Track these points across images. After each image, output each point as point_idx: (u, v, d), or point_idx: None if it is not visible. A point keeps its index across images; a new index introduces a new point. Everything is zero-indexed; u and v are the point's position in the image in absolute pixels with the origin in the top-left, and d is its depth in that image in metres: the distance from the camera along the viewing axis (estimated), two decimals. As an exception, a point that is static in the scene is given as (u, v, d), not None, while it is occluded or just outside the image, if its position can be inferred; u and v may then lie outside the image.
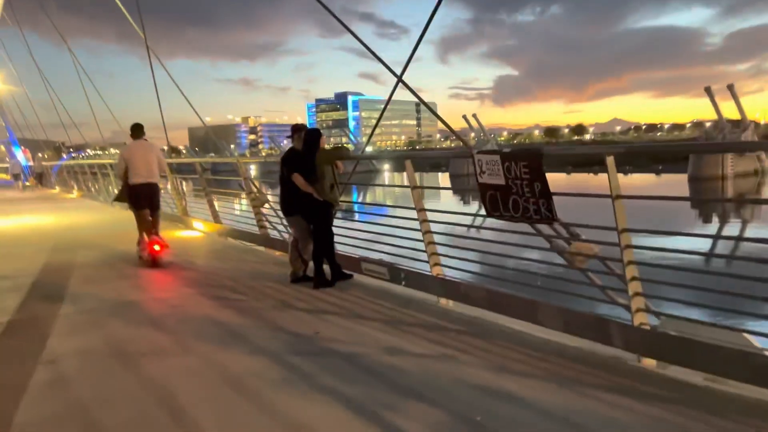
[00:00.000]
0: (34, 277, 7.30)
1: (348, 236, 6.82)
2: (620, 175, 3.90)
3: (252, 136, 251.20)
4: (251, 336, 4.67)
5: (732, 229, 21.24)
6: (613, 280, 4.36)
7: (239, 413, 3.28)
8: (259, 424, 3.15)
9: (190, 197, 13.41)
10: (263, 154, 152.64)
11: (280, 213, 8.79)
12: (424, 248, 5.58)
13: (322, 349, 4.34)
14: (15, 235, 12.22)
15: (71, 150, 47.44)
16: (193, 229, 11.68)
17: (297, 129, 6.41)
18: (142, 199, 8.08)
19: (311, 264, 6.48)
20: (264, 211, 9.17)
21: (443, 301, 5.43)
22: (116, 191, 9.17)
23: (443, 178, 56.40)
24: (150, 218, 8.13)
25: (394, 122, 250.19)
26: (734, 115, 45.80)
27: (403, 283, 5.84)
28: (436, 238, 5.54)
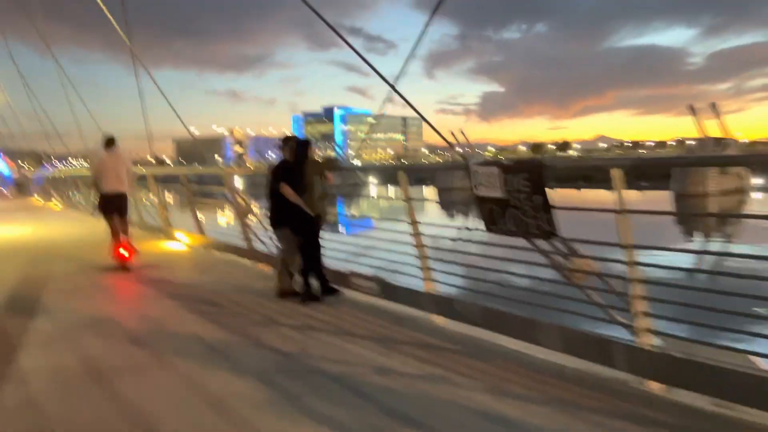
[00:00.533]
0: (9, 290, 6.98)
1: (336, 249, 6.60)
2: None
3: (238, 148, 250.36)
4: (234, 353, 4.44)
5: (728, 247, 21.25)
6: (611, 298, 4.21)
7: (220, 439, 3.05)
8: (241, 452, 2.92)
9: (176, 208, 13.12)
10: (249, 165, 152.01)
11: (267, 225, 8.60)
12: (416, 263, 5.39)
13: (309, 369, 4.11)
14: (-9, 245, 11.84)
15: (54, 160, 46.75)
16: (176, 240, 11.39)
17: (287, 140, 6.21)
18: (111, 206, 8.53)
19: (298, 278, 6.27)
20: (250, 223, 8.93)
21: (436, 318, 5.23)
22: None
23: (429, 192, 56.40)
24: (117, 224, 8.53)
25: (380, 136, 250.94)
26: (716, 133, 46.48)
27: (394, 298, 5.64)
28: (429, 252, 5.35)
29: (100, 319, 5.53)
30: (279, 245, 6.50)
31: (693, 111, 45.70)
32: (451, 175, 51.20)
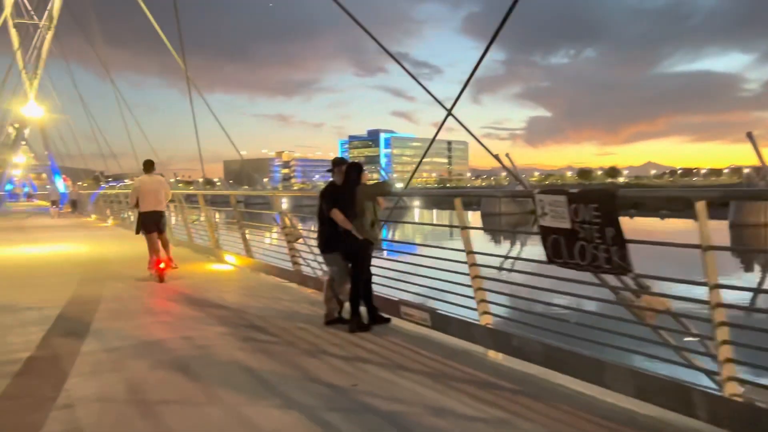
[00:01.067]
0: (60, 309, 7.04)
1: (386, 276, 6.41)
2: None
3: (285, 171, 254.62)
4: (282, 386, 4.26)
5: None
6: (689, 340, 3.88)
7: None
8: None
9: (222, 229, 13.20)
10: (295, 188, 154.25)
11: (315, 249, 8.48)
12: (471, 294, 5.14)
13: (359, 405, 3.91)
14: (45, 264, 12.12)
15: (109, 179, 48.41)
16: (224, 262, 11.41)
17: (337, 163, 6.09)
18: (150, 224, 9.38)
19: (347, 305, 6.09)
20: (297, 246, 8.84)
21: (492, 353, 4.96)
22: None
23: (473, 217, 55.80)
24: (158, 240, 9.40)
25: (425, 160, 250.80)
26: (774, 161, 44.39)
27: (446, 330, 5.40)
28: (486, 284, 5.10)
29: (149, 344, 5.47)
30: (328, 270, 6.35)
31: (751, 138, 43.95)
32: (497, 201, 50.64)
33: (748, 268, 21.93)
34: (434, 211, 64.91)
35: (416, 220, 43.84)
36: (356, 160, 6.50)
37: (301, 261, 8.69)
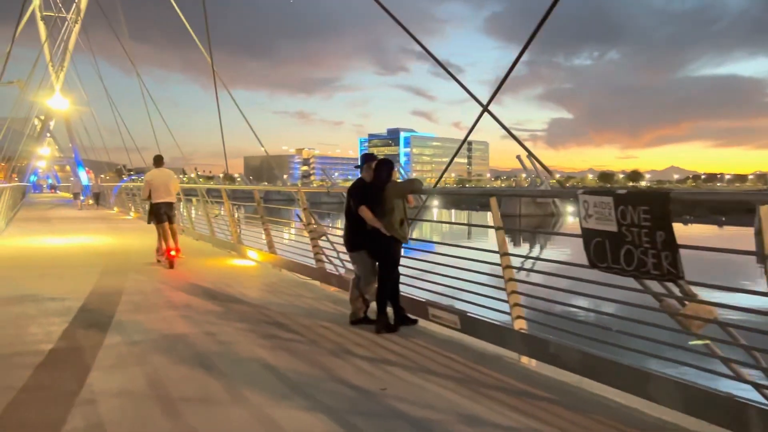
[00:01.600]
0: (82, 301, 6.99)
1: (413, 277, 6.24)
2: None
3: (304, 168, 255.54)
4: (308, 387, 4.12)
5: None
6: (738, 352, 3.67)
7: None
8: None
9: (243, 225, 13.13)
10: (314, 185, 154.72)
11: (338, 246, 8.35)
12: (503, 297, 4.96)
13: (387, 410, 3.75)
14: (68, 255, 12.15)
15: (131, 172, 48.84)
16: (246, 258, 11.33)
17: (367, 159, 5.93)
18: (162, 214, 10.15)
19: (372, 305, 5.94)
20: (321, 243, 8.71)
21: (524, 359, 4.77)
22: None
23: (491, 218, 55.14)
24: (168, 229, 10.13)
25: (444, 159, 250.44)
26: (802, 167, 43.42)
27: (476, 334, 5.22)
28: (520, 287, 4.90)
29: (172, 339, 5.37)
30: (354, 269, 6.20)
31: (781, 143, 43.11)
32: (516, 202, 50.12)
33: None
34: (452, 211, 64.63)
35: (434, 219, 43.49)
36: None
37: (324, 258, 8.56)
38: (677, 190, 3.41)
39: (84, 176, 51.93)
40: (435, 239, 26.79)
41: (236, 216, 12.78)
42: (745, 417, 3.20)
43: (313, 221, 8.78)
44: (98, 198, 37.91)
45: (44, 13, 44.72)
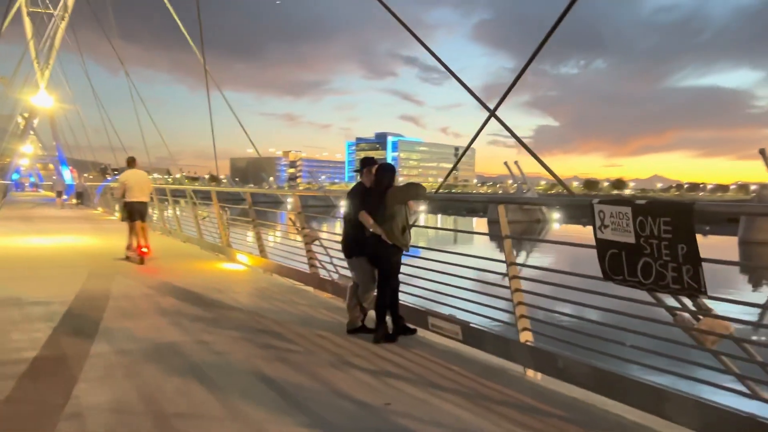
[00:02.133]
0: (68, 305, 6.73)
1: (412, 284, 6.07)
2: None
3: (291, 170, 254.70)
4: (308, 401, 3.93)
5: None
6: (754, 369, 3.55)
7: None
8: None
9: (231, 227, 12.88)
10: (301, 187, 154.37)
11: (332, 252, 8.16)
12: (508, 308, 4.81)
13: (394, 427, 3.58)
14: (52, 256, 11.83)
15: (116, 172, 48.21)
16: (236, 261, 11.09)
17: (366, 163, 5.75)
18: (135, 212, 10.71)
19: (371, 313, 5.77)
20: (314, 248, 8.51)
21: (530, 373, 4.61)
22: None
23: (478, 224, 55.22)
24: (140, 227, 10.67)
25: (431, 164, 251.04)
26: (779, 178, 43.87)
27: (479, 346, 5.07)
28: (527, 298, 4.75)
29: (163, 348, 5.14)
30: (352, 276, 6.02)
31: (764, 155, 43.48)
32: (505, 208, 50.06)
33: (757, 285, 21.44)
34: (439, 216, 64.48)
35: (420, 224, 43.35)
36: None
37: (318, 264, 8.36)
38: (701, 202, 3.27)
39: (68, 175, 51.21)
40: (421, 244, 26.69)
41: (224, 218, 12.53)
42: (769, 439, 3.07)
43: (306, 225, 8.59)
44: (81, 197, 37.39)
45: (30, 9, 44.09)
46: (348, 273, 6.94)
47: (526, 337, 4.63)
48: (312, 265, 8.34)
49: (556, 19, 4.89)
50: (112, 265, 10.40)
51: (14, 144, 53.21)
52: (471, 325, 5.21)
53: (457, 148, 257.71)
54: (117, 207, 30.96)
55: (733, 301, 3.84)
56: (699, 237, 3.22)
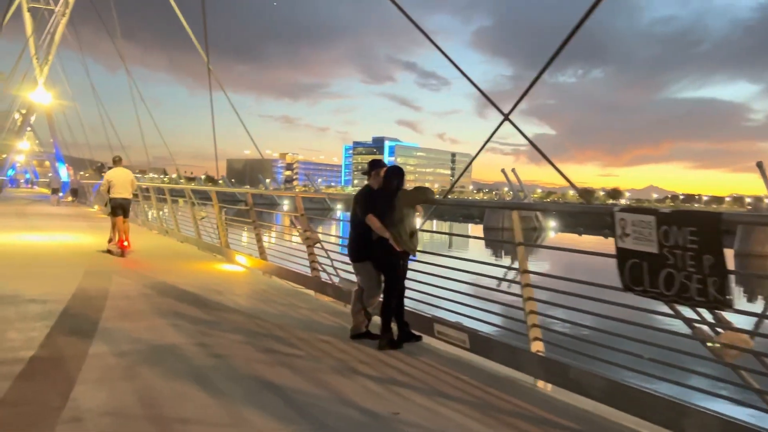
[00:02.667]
0: (65, 304, 6.58)
1: (417, 291, 5.95)
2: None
3: (288, 173, 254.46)
4: (315, 410, 3.81)
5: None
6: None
7: None
8: None
9: (230, 228, 12.75)
10: (297, 189, 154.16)
11: (333, 255, 8.04)
12: (520, 316, 4.70)
13: (404, 438, 3.46)
14: (48, 253, 11.66)
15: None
16: (235, 263, 10.96)
17: (375, 165, 5.64)
18: (119, 208, 11.29)
19: (375, 318, 5.65)
20: (315, 251, 8.39)
21: (540, 384, 4.50)
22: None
23: (474, 230, 55.15)
24: (123, 222, 11.26)
25: (428, 170, 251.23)
26: (773, 192, 44.01)
27: (487, 355, 4.95)
28: (539, 306, 4.64)
29: (162, 350, 5.01)
30: (357, 281, 5.90)
31: (761, 168, 43.69)
32: (500, 215, 50.02)
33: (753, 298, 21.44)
34: (434, 221, 64.38)
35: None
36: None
37: (319, 267, 8.24)
38: (728, 213, 3.18)
39: (64, 172, 50.93)
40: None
41: (224, 219, 12.40)
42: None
43: (308, 228, 8.47)
44: (76, 194, 37.19)
45: (31, 5, 43.90)
46: (350, 277, 6.84)
47: (537, 347, 4.52)
48: (313, 268, 8.22)
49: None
50: (108, 263, 10.26)
51: (11, 140, 52.93)
52: (479, 333, 5.10)
53: (454, 155, 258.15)
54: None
55: (754, 314, 3.75)
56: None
